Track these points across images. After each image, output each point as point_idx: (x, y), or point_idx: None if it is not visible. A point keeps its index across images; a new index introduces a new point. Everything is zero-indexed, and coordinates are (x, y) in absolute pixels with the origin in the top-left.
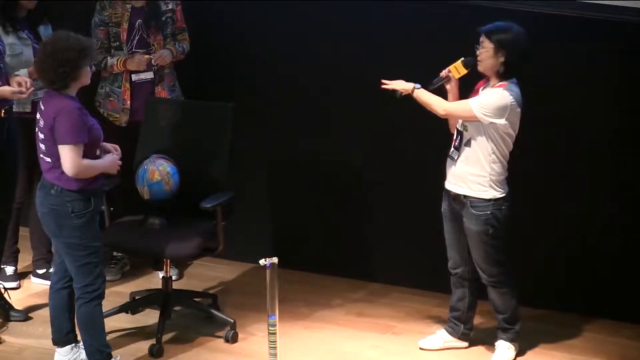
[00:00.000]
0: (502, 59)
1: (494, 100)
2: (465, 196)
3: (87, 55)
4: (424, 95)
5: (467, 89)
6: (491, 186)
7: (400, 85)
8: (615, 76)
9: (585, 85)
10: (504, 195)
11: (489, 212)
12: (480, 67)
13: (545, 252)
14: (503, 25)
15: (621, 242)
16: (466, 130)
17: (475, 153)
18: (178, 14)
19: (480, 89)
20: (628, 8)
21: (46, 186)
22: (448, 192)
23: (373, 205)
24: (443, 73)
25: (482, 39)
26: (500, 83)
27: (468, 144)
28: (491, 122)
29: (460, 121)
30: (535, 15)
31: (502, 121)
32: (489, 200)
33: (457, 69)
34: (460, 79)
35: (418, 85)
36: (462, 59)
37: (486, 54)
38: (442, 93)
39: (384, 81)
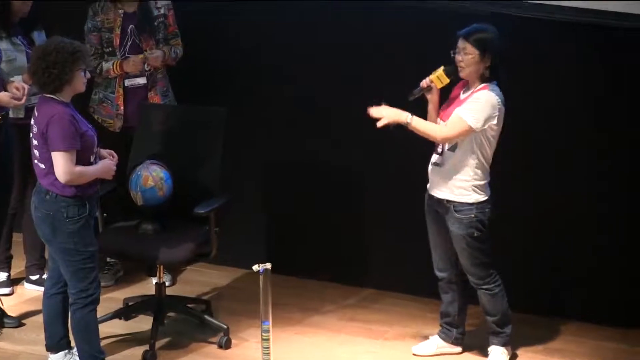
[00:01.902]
0: (487, 63)
1: (484, 105)
2: (448, 201)
3: (78, 59)
4: (419, 125)
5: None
6: (474, 190)
7: (391, 117)
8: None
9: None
10: (487, 198)
11: (472, 215)
12: (463, 73)
13: (536, 256)
14: (481, 28)
15: (613, 247)
16: None
17: (459, 158)
18: (170, 19)
19: (461, 94)
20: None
21: (41, 191)
22: (431, 197)
23: (366, 211)
24: (424, 83)
25: (464, 44)
26: (482, 85)
27: (452, 149)
28: (488, 127)
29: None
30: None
31: (494, 121)
32: (472, 204)
33: (439, 79)
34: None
35: (410, 116)
36: (443, 67)
37: (471, 59)
38: (422, 103)
39: (370, 110)
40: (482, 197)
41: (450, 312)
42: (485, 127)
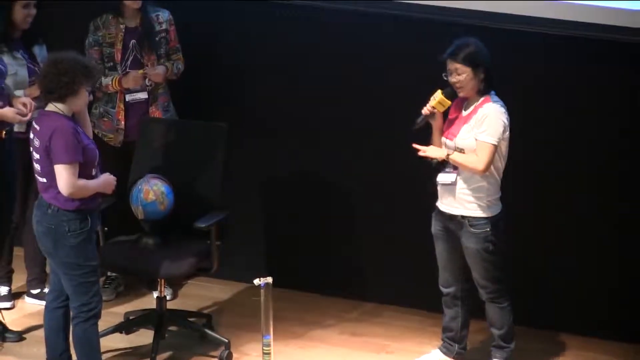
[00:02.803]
0: (482, 76)
1: (494, 119)
2: (463, 216)
3: (89, 75)
4: (458, 159)
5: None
6: (488, 204)
7: (434, 154)
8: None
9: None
10: (500, 212)
11: (488, 229)
12: (463, 92)
13: (542, 270)
14: (464, 43)
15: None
16: (462, 152)
17: (473, 175)
18: (172, 34)
19: (463, 111)
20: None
21: (43, 205)
22: (442, 213)
23: (367, 225)
24: (426, 110)
25: (454, 65)
26: (483, 98)
27: None
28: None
29: (454, 144)
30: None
31: (507, 132)
32: (487, 218)
33: (441, 104)
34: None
35: (449, 152)
36: (440, 91)
37: (467, 77)
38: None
39: (416, 146)
40: (496, 211)
41: (452, 327)
42: (503, 137)
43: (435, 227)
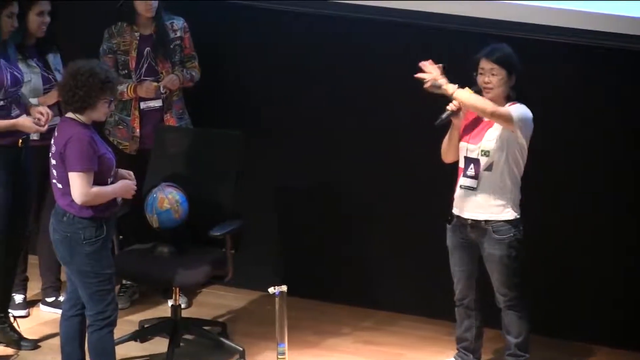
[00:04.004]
0: (512, 83)
1: (525, 112)
2: (486, 222)
3: (108, 89)
4: (465, 98)
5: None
6: (512, 208)
7: (437, 77)
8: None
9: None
10: (519, 216)
11: (511, 234)
12: (490, 95)
13: (559, 277)
14: (501, 47)
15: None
16: (487, 156)
17: (497, 177)
18: (187, 42)
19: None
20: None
21: (59, 213)
22: (463, 221)
23: (381, 233)
24: (451, 106)
25: (491, 65)
26: (510, 104)
27: (489, 168)
28: (519, 138)
29: (477, 149)
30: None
31: (529, 130)
32: (511, 221)
33: None
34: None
35: (456, 86)
36: (467, 89)
37: (499, 80)
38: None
39: (421, 68)
40: (518, 215)
41: (467, 337)
42: (517, 133)
43: (452, 239)
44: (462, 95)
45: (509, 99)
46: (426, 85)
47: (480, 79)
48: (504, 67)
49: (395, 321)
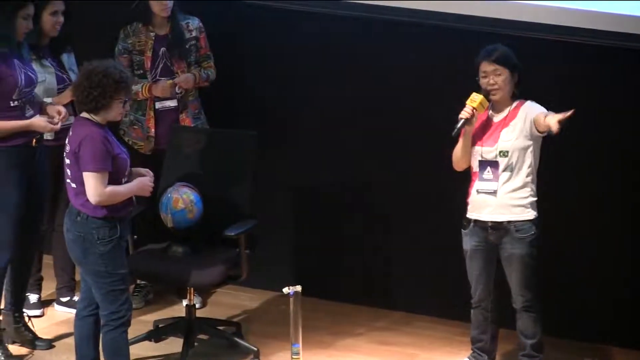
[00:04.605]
0: (516, 80)
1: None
2: (509, 222)
3: (122, 89)
4: None
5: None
6: (531, 206)
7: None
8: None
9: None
10: (537, 215)
11: (533, 232)
12: (498, 96)
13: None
14: (499, 47)
15: None
16: (505, 156)
17: (517, 176)
18: (202, 42)
19: (494, 119)
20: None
21: (73, 213)
22: (482, 224)
23: (396, 234)
24: (466, 114)
25: (493, 66)
26: (518, 102)
27: (509, 169)
28: (539, 135)
29: (494, 150)
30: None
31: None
32: (532, 220)
33: (482, 105)
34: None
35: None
36: (475, 93)
37: (504, 80)
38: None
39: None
40: (537, 213)
41: (482, 338)
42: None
43: (470, 242)
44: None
45: (515, 97)
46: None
47: (484, 82)
48: (506, 67)
49: (409, 322)
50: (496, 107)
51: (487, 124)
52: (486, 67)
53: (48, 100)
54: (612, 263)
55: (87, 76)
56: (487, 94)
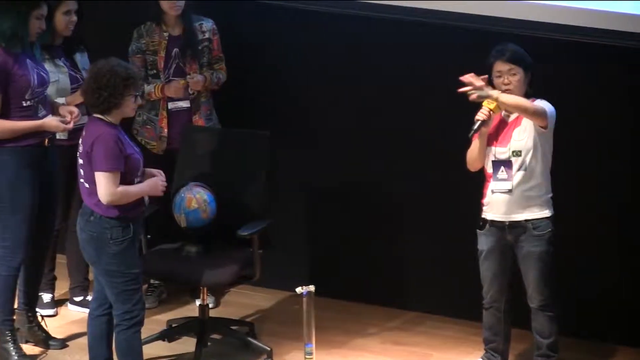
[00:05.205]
0: (529, 79)
1: (551, 106)
2: (527, 220)
3: (130, 85)
4: (509, 99)
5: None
6: (547, 204)
7: (481, 89)
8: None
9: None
10: (553, 213)
11: (550, 229)
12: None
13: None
14: (511, 46)
15: None
16: (519, 156)
17: (533, 174)
18: (215, 43)
19: (509, 118)
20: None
21: (86, 212)
22: (498, 224)
23: (408, 233)
24: (483, 115)
25: (508, 66)
26: (531, 99)
27: (523, 168)
28: (544, 131)
29: (507, 150)
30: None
31: (550, 131)
32: (549, 218)
33: (498, 106)
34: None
35: (498, 91)
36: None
37: (520, 78)
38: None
39: (464, 79)
40: (553, 210)
41: (495, 338)
42: (547, 129)
43: (486, 243)
44: (506, 98)
45: (527, 95)
46: (472, 97)
47: (498, 82)
48: (520, 65)
49: (422, 321)
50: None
51: (500, 124)
52: (500, 66)
53: (61, 100)
54: (631, 263)
55: (95, 78)
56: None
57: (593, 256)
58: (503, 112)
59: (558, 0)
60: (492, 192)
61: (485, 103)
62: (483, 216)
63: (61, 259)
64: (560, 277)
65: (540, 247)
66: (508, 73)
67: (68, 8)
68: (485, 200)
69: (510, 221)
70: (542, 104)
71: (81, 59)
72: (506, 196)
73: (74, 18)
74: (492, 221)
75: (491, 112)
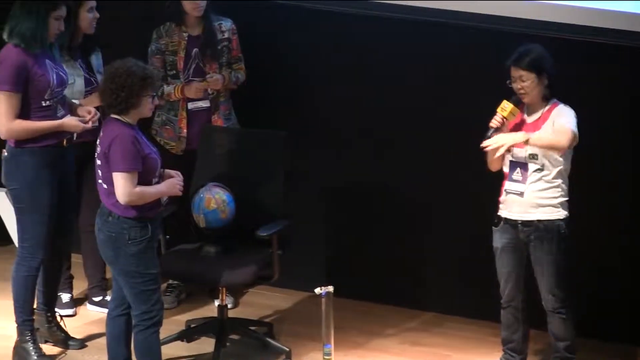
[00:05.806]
0: (546, 82)
1: (572, 118)
2: (539, 220)
3: (148, 85)
4: (542, 139)
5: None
6: (562, 206)
7: (509, 141)
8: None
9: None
10: (568, 214)
11: (563, 231)
12: (527, 99)
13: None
14: (528, 50)
15: None
16: (535, 159)
17: (547, 177)
18: (234, 43)
19: (527, 120)
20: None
21: (104, 213)
22: (512, 222)
23: (428, 235)
24: (496, 123)
25: (518, 72)
26: (552, 103)
27: (538, 171)
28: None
29: (524, 152)
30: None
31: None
32: (563, 220)
33: (513, 113)
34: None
35: (525, 133)
36: (506, 101)
37: (531, 84)
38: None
39: (485, 143)
40: (567, 214)
41: (514, 338)
42: (577, 138)
43: (500, 240)
44: (536, 140)
45: (546, 98)
46: (503, 151)
47: (514, 86)
48: (532, 71)
49: (441, 322)
50: (529, 109)
51: (521, 125)
52: (514, 72)
53: (76, 102)
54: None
55: (112, 79)
56: (519, 99)
57: (614, 256)
58: (525, 114)
59: (558, 1)
60: (506, 192)
61: (499, 110)
62: (498, 213)
63: (75, 259)
64: (579, 278)
65: (552, 248)
66: (519, 79)
67: (91, 5)
68: (501, 198)
69: (523, 220)
70: (566, 123)
71: (96, 61)
72: (519, 197)
73: (97, 14)
74: (507, 219)
75: (505, 119)
